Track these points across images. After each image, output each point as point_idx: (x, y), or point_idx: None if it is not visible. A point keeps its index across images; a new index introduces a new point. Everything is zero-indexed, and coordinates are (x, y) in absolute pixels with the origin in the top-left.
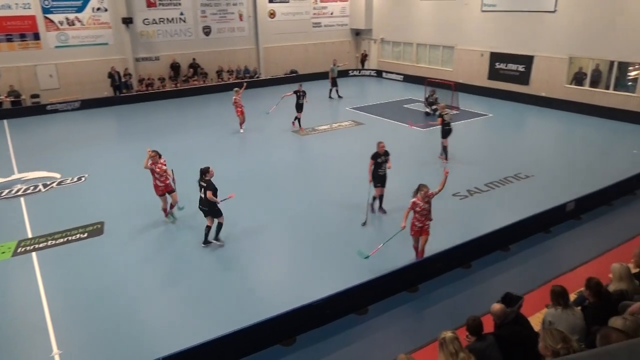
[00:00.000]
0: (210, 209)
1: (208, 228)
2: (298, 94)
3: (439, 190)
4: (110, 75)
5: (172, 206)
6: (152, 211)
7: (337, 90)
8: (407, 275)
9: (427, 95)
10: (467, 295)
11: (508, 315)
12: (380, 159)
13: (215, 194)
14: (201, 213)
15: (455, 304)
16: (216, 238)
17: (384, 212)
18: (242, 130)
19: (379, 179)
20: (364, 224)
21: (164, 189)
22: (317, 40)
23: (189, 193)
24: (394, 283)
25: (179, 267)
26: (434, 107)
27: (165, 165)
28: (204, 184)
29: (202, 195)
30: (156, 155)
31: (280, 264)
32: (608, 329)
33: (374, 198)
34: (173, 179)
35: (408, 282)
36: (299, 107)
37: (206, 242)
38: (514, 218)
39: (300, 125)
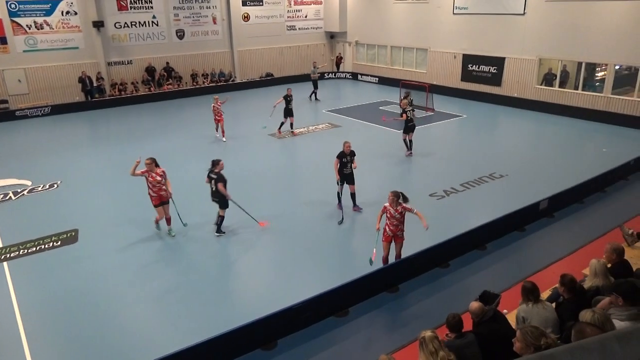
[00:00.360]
0: (220, 200)
1: (221, 218)
2: (288, 98)
3: (414, 214)
4: (81, 80)
5: (167, 221)
6: (127, 217)
7: (315, 93)
8: (387, 275)
9: (402, 97)
10: (446, 295)
11: (486, 313)
12: (345, 159)
13: (225, 186)
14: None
15: (434, 303)
16: (218, 230)
17: (359, 210)
18: (224, 139)
19: (344, 177)
20: (341, 222)
21: (157, 199)
22: (292, 43)
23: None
24: (374, 284)
25: (156, 273)
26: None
27: (161, 175)
28: (215, 177)
29: (213, 188)
30: (152, 164)
31: (259, 267)
32: (582, 324)
33: (338, 193)
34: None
35: (388, 283)
36: (289, 112)
37: (219, 231)
38: (489, 217)
39: (279, 130)
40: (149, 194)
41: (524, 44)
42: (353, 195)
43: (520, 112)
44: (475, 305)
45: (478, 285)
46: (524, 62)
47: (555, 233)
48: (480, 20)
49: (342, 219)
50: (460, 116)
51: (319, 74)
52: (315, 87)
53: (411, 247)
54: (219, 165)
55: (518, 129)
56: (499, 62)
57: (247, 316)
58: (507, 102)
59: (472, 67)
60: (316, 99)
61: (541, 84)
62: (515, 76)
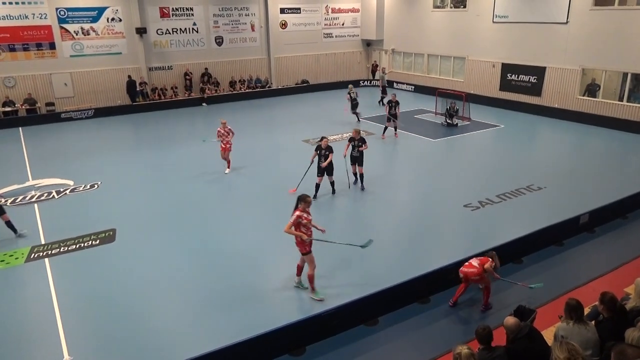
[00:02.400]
0: (329, 169)
1: (317, 186)
2: (391, 104)
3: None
4: (132, 82)
5: (299, 270)
6: (163, 218)
7: (382, 99)
8: (418, 286)
9: (447, 107)
10: (479, 308)
11: (522, 329)
12: (354, 143)
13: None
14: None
15: (466, 316)
16: (333, 192)
17: (363, 189)
18: (227, 170)
19: (353, 159)
20: (353, 183)
21: (310, 244)
22: (328, 51)
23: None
24: (405, 294)
25: (190, 275)
26: (454, 118)
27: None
28: (328, 152)
29: (323, 162)
30: (311, 202)
31: (289, 271)
32: (623, 345)
33: (354, 174)
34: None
35: (419, 293)
36: (394, 116)
37: (315, 196)
38: (526, 230)
39: (397, 132)
40: (301, 241)
41: (566, 53)
42: (362, 176)
43: (560, 123)
44: (511, 320)
45: (512, 299)
46: (566, 72)
47: (595, 249)
48: (521, 28)
49: (349, 182)
50: (498, 126)
51: (386, 80)
52: (384, 92)
53: (444, 257)
54: (324, 140)
55: (558, 140)
56: (539, 71)
57: (276, 321)
58: (547, 112)
59: (511, 76)
60: (383, 104)
61: (584, 95)
62: (556, 86)
